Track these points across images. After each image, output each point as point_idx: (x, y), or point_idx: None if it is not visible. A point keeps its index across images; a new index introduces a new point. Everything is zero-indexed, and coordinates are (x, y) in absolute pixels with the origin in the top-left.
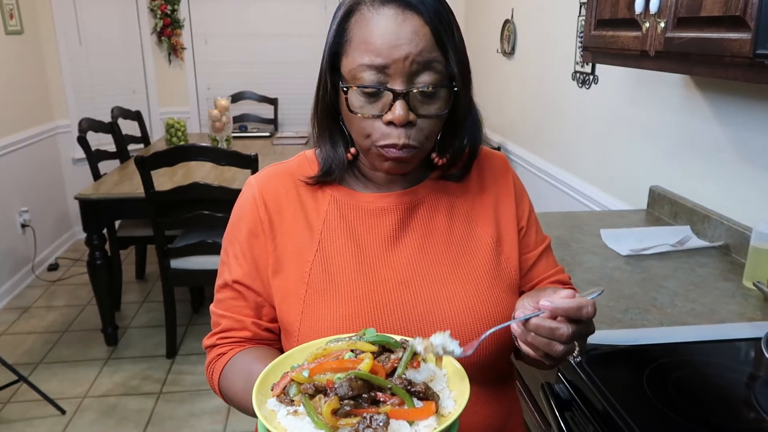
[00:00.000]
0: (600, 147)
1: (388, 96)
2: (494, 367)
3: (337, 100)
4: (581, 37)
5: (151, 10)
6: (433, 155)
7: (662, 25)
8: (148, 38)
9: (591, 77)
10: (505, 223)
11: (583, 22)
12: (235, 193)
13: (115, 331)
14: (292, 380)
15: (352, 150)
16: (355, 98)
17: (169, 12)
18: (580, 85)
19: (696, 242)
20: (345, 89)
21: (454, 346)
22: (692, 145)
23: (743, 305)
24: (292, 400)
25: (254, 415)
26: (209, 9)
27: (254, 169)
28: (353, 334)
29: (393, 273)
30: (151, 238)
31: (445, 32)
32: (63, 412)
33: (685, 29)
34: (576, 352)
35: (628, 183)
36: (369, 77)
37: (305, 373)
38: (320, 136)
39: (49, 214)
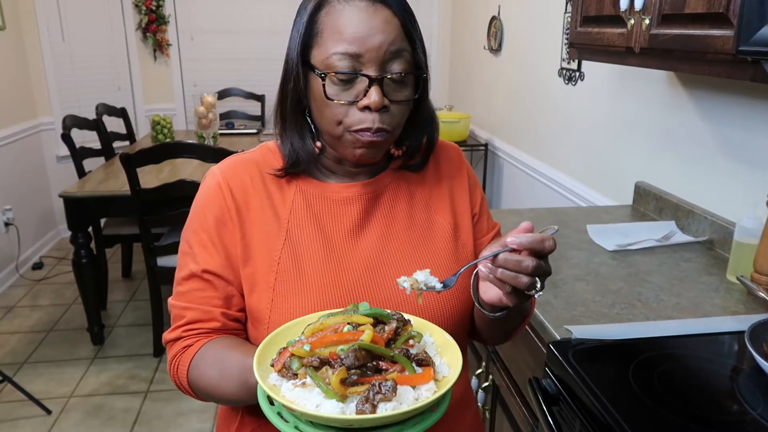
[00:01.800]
0: (586, 143)
1: (363, 82)
2: None
3: (306, 92)
4: (567, 34)
5: (136, 5)
6: (390, 146)
7: (647, 21)
8: (132, 34)
9: (577, 74)
10: (460, 211)
11: (569, 19)
12: None
13: (101, 330)
14: (293, 355)
15: (318, 143)
16: (330, 86)
17: (154, 8)
18: (567, 81)
19: (681, 237)
20: (322, 76)
21: (435, 281)
22: (677, 141)
23: (727, 299)
24: (296, 374)
25: (228, 403)
26: (195, 5)
27: None
28: (345, 309)
29: (359, 260)
30: (137, 236)
31: (411, 24)
32: (49, 412)
33: (670, 26)
34: (538, 286)
35: (614, 179)
36: (343, 65)
37: (306, 347)
38: (289, 129)
39: (33, 212)
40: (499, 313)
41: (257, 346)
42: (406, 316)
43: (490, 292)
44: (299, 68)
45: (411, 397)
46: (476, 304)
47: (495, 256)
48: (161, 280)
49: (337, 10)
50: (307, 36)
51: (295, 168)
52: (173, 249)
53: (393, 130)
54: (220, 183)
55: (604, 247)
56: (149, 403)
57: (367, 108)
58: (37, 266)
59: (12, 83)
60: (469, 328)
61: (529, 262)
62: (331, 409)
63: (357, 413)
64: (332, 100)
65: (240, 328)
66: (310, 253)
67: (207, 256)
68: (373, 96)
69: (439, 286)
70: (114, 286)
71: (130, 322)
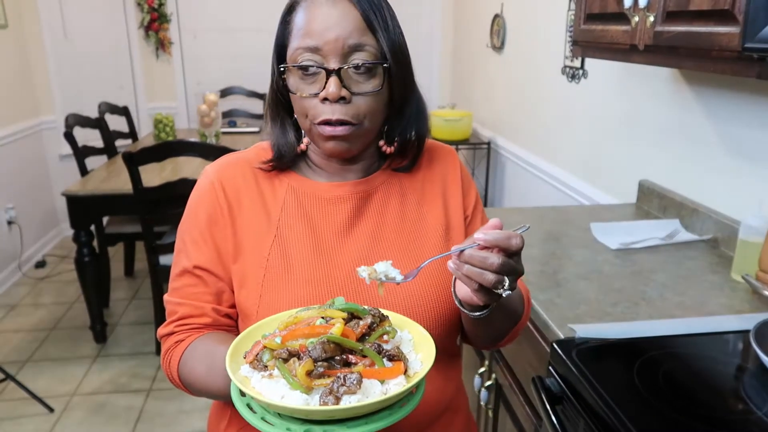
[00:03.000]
0: (589, 141)
1: (323, 74)
2: (441, 345)
3: (286, 89)
4: (571, 32)
5: (138, 4)
6: (381, 143)
7: (651, 19)
8: (135, 33)
9: (580, 72)
10: (453, 212)
11: (572, 17)
12: None
13: (103, 328)
14: (265, 347)
15: (305, 140)
16: (294, 80)
17: (156, 6)
18: (570, 79)
19: (685, 236)
20: (282, 69)
21: (396, 273)
22: (681, 139)
23: (732, 298)
24: (266, 366)
25: (217, 398)
26: (197, 3)
27: None
28: (323, 304)
29: (348, 258)
30: (139, 235)
31: (374, 15)
32: (51, 410)
33: (674, 23)
34: (506, 285)
35: (618, 177)
36: (305, 59)
37: (278, 340)
38: (272, 125)
39: (35, 210)
40: (478, 313)
41: None
42: (385, 312)
43: (462, 290)
44: (275, 66)
45: (378, 391)
46: (457, 303)
47: (462, 251)
48: (163, 279)
49: (303, 8)
50: (282, 36)
51: (279, 161)
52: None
53: (359, 122)
54: (213, 182)
55: (608, 246)
56: (152, 401)
57: (326, 100)
58: (40, 264)
59: (14, 82)
60: (461, 332)
61: (494, 259)
62: (295, 400)
63: (320, 405)
64: (295, 93)
65: (232, 324)
66: (299, 250)
67: (198, 253)
68: (331, 87)
69: (399, 277)
70: (116, 284)
71: (132, 321)
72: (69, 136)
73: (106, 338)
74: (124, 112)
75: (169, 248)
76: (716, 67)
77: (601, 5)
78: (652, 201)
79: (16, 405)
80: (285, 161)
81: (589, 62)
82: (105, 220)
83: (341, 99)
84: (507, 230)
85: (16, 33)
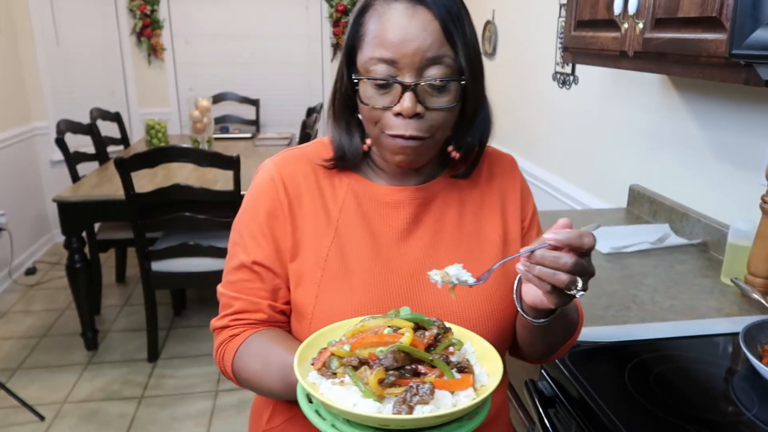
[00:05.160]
0: (580, 147)
1: (398, 88)
2: None
3: (354, 92)
4: (561, 38)
5: (130, 10)
6: (450, 148)
7: (641, 25)
8: (127, 39)
9: (571, 78)
10: (511, 222)
11: (563, 23)
12: (216, 195)
13: (95, 335)
14: (333, 354)
15: (368, 141)
16: (367, 90)
17: (148, 12)
18: (561, 85)
19: (675, 240)
20: (356, 81)
21: (467, 276)
22: (670, 145)
23: (721, 301)
24: (335, 373)
25: (269, 395)
26: (190, 9)
27: (236, 171)
28: (387, 314)
29: (405, 265)
30: (131, 241)
31: (454, 27)
32: (42, 418)
33: (663, 30)
34: (580, 285)
35: (609, 182)
36: (380, 70)
37: (346, 347)
38: (336, 126)
39: (26, 217)
40: (542, 320)
41: (300, 341)
42: (447, 324)
43: (530, 294)
44: (345, 69)
45: (449, 402)
46: (519, 309)
47: (532, 252)
48: (156, 285)
49: (378, 13)
50: (353, 38)
51: (342, 162)
52: (167, 253)
53: (431, 136)
54: (273, 177)
55: (599, 250)
56: (144, 409)
57: (400, 114)
58: (31, 271)
59: (6, 88)
60: (511, 343)
61: (567, 258)
62: (368, 408)
63: (394, 413)
64: (367, 104)
65: (285, 321)
66: (358, 252)
67: (257, 248)
68: (406, 103)
69: (471, 280)
70: (108, 290)
71: (124, 327)
72: (60, 142)
73: (98, 345)
74: (116, 118)
75: (162, 254)
76: (704, 73)
77: (592, 12)
78: (642, 205)
79: (7, 413)
80: (348, 162)
81: (580, 68)
82: (97, 226)
83: (415, 115)
84: (578, 229)
85: (8, 39)
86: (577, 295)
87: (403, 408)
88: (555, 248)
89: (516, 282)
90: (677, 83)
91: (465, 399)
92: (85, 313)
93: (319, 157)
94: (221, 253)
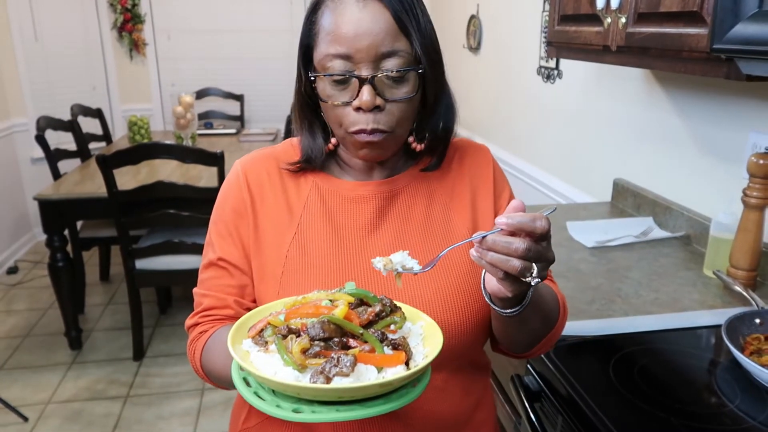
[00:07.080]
0: (565, 141)
1: (356, 83)
2: (467, 354)
3: (314, 91)
4: (545, 33)
5: (111, 4)
6: (411, 140)
7: (623, 20)
8: (108, 34)
9: (555, 72)
10: (481, 214)
11: (547, 18)
12: (200, 192)
13: (79, 334)
14: (269, 323)
15: (333, 140)
16: (326, 88)
17: (129, 7)
18: (545, 79)
19: (658, 233)
20: (313, 78)
21: (413, 263)
22: (653, 139)
23: (704, 293)
24: (267, 342)
25: (233, 388)
26: (171, 3)
27: (220, 167)
28: (334, 289)
29: (369, 258)
30: (115, 239)
31: (407, 16)
32: (25, 419)
33: (645, 24)
34: (534, 273)
35: (593, 176)
36: (337, 66)
37: (281, 317)
38: (300, 126)
39: (7, 215)
40: (509, 310)
41: None
42: (399, 303)
43: (491, 282)
44: (302, 68)
45: (373, 378)
46: (487, 299)
47: (483, 238)
48: (140, 283)
49: (330, 9)
50: (307, 36)
51: (307, 164)
52: (152, 251)
53: (392, 129)
54: (239, 176)
55: (584, 244)
56: (129, 408)
57: (360, 108)
58: (12, 270)
59: None
60: (491, 338)
61: (519, 244)
62: (286, 376)
63: (310, 383)
64: (327, 102)
65: None
66: (319, 248)
67: (224, 246)
68: (365, 96)
69: (417, 267)
70: (92, 289)
71: (108, 326)
72: (41, 139)
73: (82, 344)
74: (97, 114)
75: (146, 252)
76: (686, 67)
77: (575, 6)
78: (626, 199)
79: None
80: (313, 163)
81: (564, 63)
82: (79, 224)
83: (375, 107)
84: (531, 212)
85: None
86: (532, 282)
87: (320, 378)
88: (511, 234)
89: (483, 271)
90: (660, 77)
91: (392, 376)
92: (69, 312)
93: (287, 157)
94: None
